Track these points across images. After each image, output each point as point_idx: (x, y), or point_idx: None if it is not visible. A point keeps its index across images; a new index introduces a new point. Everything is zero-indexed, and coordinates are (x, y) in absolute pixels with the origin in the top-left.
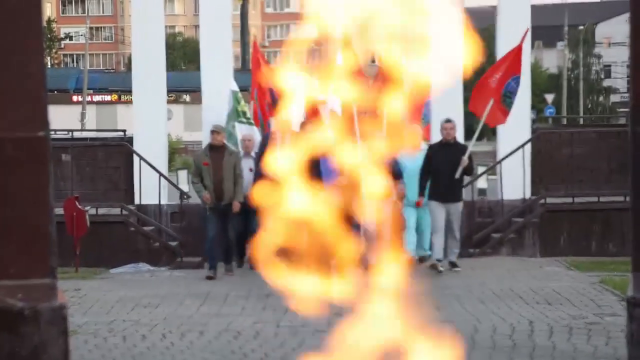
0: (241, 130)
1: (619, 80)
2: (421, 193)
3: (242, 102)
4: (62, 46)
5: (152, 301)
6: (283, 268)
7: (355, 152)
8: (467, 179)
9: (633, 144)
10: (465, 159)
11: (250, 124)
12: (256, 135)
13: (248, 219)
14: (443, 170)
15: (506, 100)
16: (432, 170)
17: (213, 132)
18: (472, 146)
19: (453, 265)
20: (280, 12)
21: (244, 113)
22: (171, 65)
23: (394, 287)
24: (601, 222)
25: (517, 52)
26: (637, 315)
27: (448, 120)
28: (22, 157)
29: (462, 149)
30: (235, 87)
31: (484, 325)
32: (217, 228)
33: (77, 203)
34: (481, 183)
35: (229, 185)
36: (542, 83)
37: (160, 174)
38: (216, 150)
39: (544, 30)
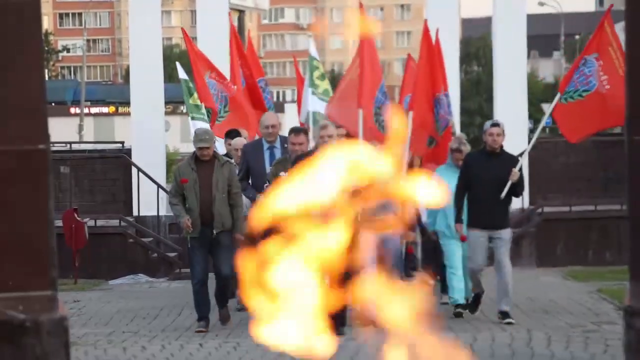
0: (195, 127)
1: None
2: (458, 219)
3: (195, 95)
4: (60, 58)
5: (151, 312)
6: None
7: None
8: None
9: (629, 153)
10: (516, 172)
11: (205, 120)
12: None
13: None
14: (486, 188)
15: (567, 98)
16: (471, 188)
17: (201, 148)
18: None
19: (504, 315)
20: (275, 23)
21: (198, 107)
22: (168, 77)
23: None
24: (598, 231)
25: (597, 33)
26: (634, 323)
27: (495, 124)
28: (23, 170)
29: (511, 160)
30: (184, 75)
31: (482, 334)
32: (205, 266)
33: (75, 215)
34: None
35: (221, 207)
36: (539, 93)
37: (159, 186)
38: (204, 162)
39: (540, 39)
